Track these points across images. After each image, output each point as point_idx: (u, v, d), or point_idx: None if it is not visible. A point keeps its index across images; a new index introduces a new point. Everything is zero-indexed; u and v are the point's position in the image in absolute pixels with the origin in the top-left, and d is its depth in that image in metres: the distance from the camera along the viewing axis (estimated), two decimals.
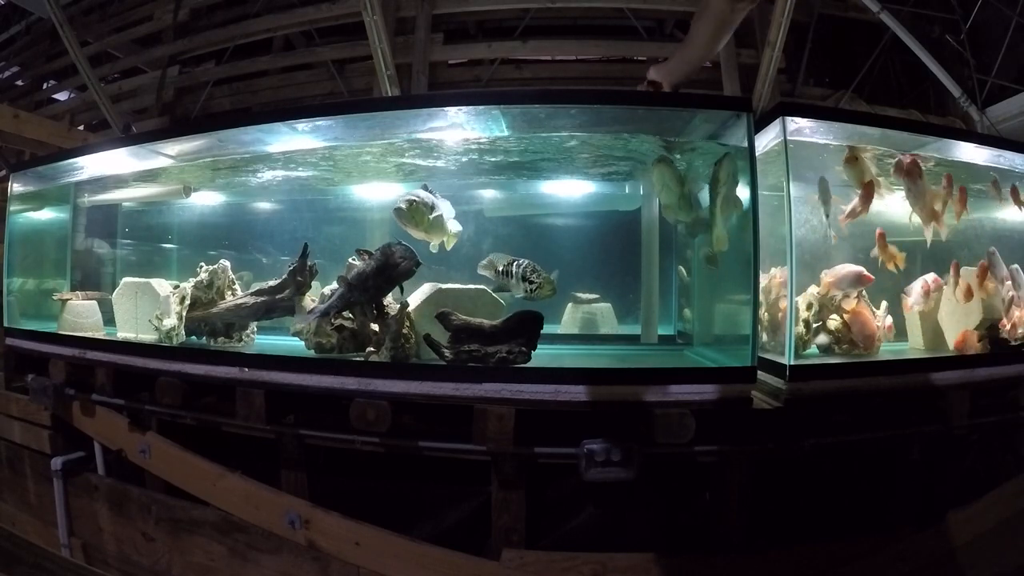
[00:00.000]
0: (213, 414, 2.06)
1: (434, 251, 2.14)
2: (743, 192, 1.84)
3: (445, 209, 2.12)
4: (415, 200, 2.02)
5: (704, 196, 2.13)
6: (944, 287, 2.27)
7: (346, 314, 2.20)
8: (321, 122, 2.01)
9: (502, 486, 1.82)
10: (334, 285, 2.17)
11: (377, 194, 2.73)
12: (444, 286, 2.10)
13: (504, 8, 4.62)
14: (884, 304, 2.28)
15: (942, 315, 2.30)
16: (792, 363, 1.75)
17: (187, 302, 2.28)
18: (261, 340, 2.48)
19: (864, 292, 2.25)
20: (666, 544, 1.81)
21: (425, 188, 2.11)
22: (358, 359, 2.04)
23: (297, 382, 1.88)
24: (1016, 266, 2.25)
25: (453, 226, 2.19)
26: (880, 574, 1.76)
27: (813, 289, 2.17)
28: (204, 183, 2.83)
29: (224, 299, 2.39)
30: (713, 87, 4.19)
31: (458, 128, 2.00)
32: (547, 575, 1.71)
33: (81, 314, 2.62)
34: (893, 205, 2.61)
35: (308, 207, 2.94)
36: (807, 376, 1.76)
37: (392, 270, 1.95)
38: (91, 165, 2.64)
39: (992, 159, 2.25)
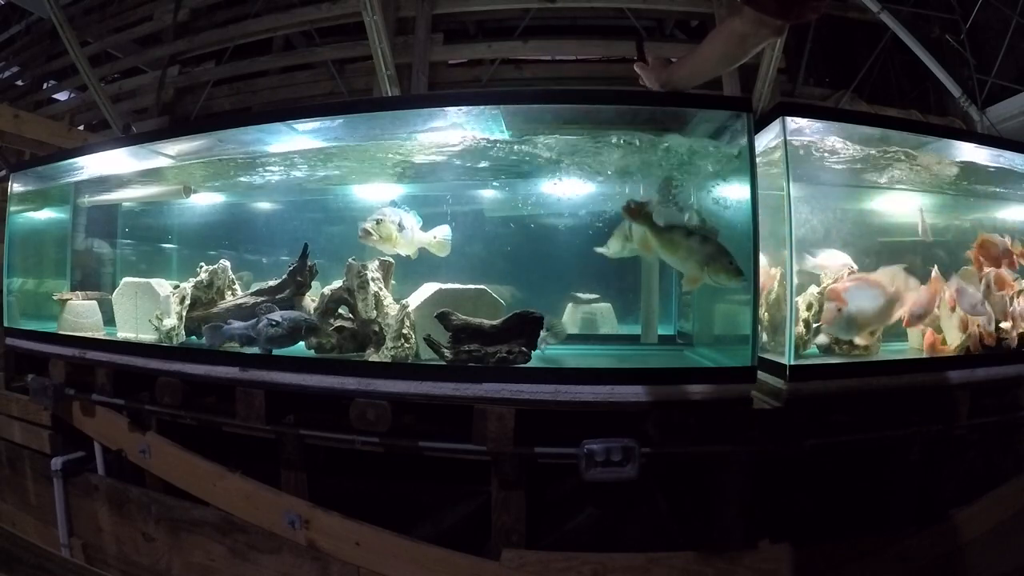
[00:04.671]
0: (213, 414, 2.06)
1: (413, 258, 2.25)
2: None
3: (410, 223, 2.20)
4: (381, 219, 2.12)
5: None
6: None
7: (346, 314, 2.20)
8: (321, 122, 2.01)
9: (502, 486, 1.82)
10: (335, 284, 2.18)
11: (378, 194, 2.73)
12: (445, 286, 2.10)
13: (504, 8, 4.62)
14: None
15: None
16: (792, 363, 1.75)
17: (187, 302, 2.28)
18: None
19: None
20: (666, 544, 1.80)
21: (393, 204, 2.19)
22: (358, 359, 2.04)
23: (297, 382, 1.88)
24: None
25: (440, 233, 2.27)
26: (880, 574, 1.76)
27: (813, 289, 2.17)
28: (204, 183, 2.83)
29: (224, 299, 2.39)
30: (713, 87, 4.19)
31: (458, 128, 2.00)
32: (547, 575, 1.71)
33: (81, 314, 2.62)
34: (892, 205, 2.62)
35: (307, 207, 2.94)
36: (807, 376, 1.76)
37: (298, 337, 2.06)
38: (91, 165, 2.64)
39: (992, 159, 2.25)
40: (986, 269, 2.16)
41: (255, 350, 2.01)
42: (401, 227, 2.16)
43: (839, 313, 1.86)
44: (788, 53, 4.27)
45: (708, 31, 3.97)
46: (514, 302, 2.25)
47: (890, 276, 2.01)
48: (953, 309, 2.09)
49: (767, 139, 1.89)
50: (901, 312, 2.02)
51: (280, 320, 2.00)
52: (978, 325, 2.06)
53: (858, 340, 1.95)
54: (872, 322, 1.92)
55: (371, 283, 2.13)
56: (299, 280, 2.28)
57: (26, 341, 2.56)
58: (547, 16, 4.63)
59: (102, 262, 3.18)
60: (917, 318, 2.07)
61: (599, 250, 2.16)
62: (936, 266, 2.21)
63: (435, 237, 2.26)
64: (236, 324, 2.04)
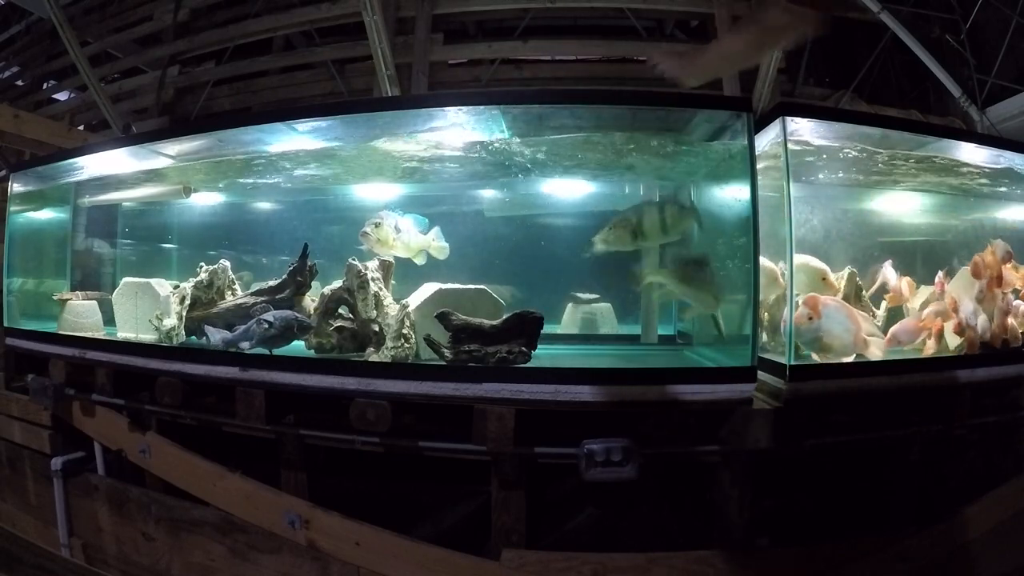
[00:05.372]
0: (213, 414, 2.06)
1: (420, 263, 2.27)
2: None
3: (405, 226, 2.22)
4: (379, 223, 2.14)
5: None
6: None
7: (346, 314, 2.21)
8: (321, 122, 2.01)
9: (502, 486, 1.82)
10: (335, 284, 2.18)
11: (378, 194, 2.73)
12: (445, 286, 2.10)
13: (504, 8, 4.62)
14: (884, 304, 2.28)
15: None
16: (792, 363, 1.75)
17: (187, 302, 2.28)
18: None
19: (864, 293, 2.26)
20: (666, 544, 1.80)
21: (388, 208, 2.20)
22: (358, 359, 2.04)
23: (297, 382, 1.88)
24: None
25: (436, 239, 2.28)
26: (880, 574, 1.76)
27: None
28: (204, 183, 2.83)
29: (224, 299, 2.39)
30: (713, 87, 4.19)
31: (458, 128, 2.00)
32: (547, 575, 1.71)
33: (81, 314, 2.62)
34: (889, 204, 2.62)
35: (308, 207, 2.94)
36: (807, 376, 1.76)
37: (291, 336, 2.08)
38: (91, 165, 2.64)
39: (992, 159, 2.25)
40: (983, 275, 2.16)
41: (258, 350, 2.02)
42: (398, 230, 2.18)
43: (808, 321, 1.85)
44: (788, 53, 4.26)
45: (708, 31, 3.96)
46: (514, 302, 2.25)
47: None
48: (955, 311, 2.09)
49: (767, 139, 1.89)
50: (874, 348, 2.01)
51: (272, 320, 2.01)
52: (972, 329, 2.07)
53: (814, 356, 1.93)
54: (832, 348, 1.89)
55: (371, 283, 2.13)
56: (299, 280, 2.28)
57: (26, 341, 2.56)
58: (547, 16, 4.62)
59: (102, 262, 3.18)
60: (898, 343, 2.08)
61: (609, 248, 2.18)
62: (941, 272, 2.20)
63: (433, 240, 2.27)
64: (225, 334, 2.06)
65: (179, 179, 2.76)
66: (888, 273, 2.30)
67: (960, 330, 2.08)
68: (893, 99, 4.71)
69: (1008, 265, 2.19)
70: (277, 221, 3.01)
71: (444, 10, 4.58)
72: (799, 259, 2.05)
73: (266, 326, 2.00)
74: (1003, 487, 1.94)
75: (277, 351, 2.03)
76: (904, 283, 2.27)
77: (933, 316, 2.12)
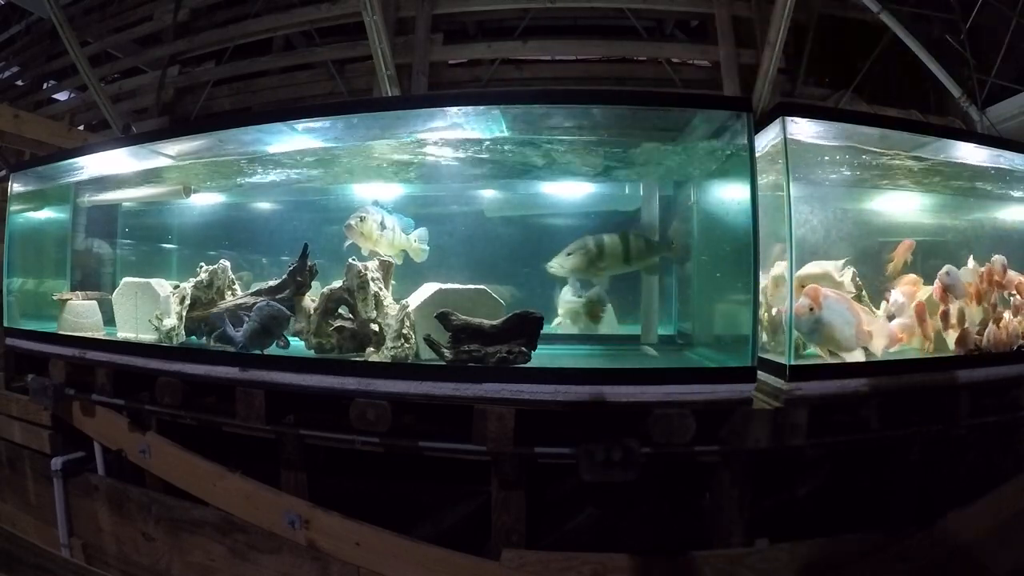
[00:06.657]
0: (213, 414, 2.06)
1: (398, 262, 2.28)
2: None
3: (390, 223, 2.22)
4: (364, 217, 2.14)
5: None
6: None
7: (346, 314, 2.21)
8: (321, 122, 2.01)
9: (502, 486, 1.82)
10: (335, 284, 2.19)
11: (378, 194, 2.72)
12: (445, 286, 2.10)
13: (504, 8, 4.62)
14: (884, 305, 2.28)
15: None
16: (792, 363, 1.75)
17: (187, 302, 2.28)
18: None
19: (864, 292, 2.25)
20: (666, 544, 1.80)
21: (376, 204, 2.20)
22: (358, 359, 2.04)
23: (297, 382, 1.88)
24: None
25: (418, 237, 2.30)
26: (880, 574, 1.76)
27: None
28: (204, 182, 2.83)
29: (224, 299, 2.39)
30: (713, 87, 4.19)
31: (458, 128, 2.00)
32: (547, 575, 1.71)
33: (81, 314, 2.62)
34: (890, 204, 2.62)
35: (308, 207, 2.94)
36: (807, 376, 1.76)
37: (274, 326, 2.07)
38: (91, 165, 2.64)
39: (992, 159, 2.25)
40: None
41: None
42: (383, 227, 2.18)
43: (809, 312, 1.83)
44: (788, 53, 4.26)
45: (708, 31, 3.96)
46: (514, 302, 2.25)
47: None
48: (943, 300, 2.12)
49: (767, 139, 1.89)
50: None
51: (252, 315, 2.02)
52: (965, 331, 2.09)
53: (816, 349, 1.91)
54: (833, 340, 1.87)
55: (371, 283, 2.13)
56: (299, 280, 2.28)
57: (26, 341, 2.56)
58: (547, 16, 4.62)
59: (102, 262, 3.18)
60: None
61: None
62: (946, 272, 2.20)
63: (415, 241, 2.27)
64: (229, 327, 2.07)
65: (179, 179, 2.76)
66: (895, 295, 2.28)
67: (944, 315, 2.10)
68: (893, 99, 4.71)
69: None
70: (277, 221, 3.01)
71: (444, 10, 4.58)
72: (813, 267, 2.06)
73: (247, 320, 2.01)
74: (1003, 487, 1.94)
75: (276, 351, 2.03)
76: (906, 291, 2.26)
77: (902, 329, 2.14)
